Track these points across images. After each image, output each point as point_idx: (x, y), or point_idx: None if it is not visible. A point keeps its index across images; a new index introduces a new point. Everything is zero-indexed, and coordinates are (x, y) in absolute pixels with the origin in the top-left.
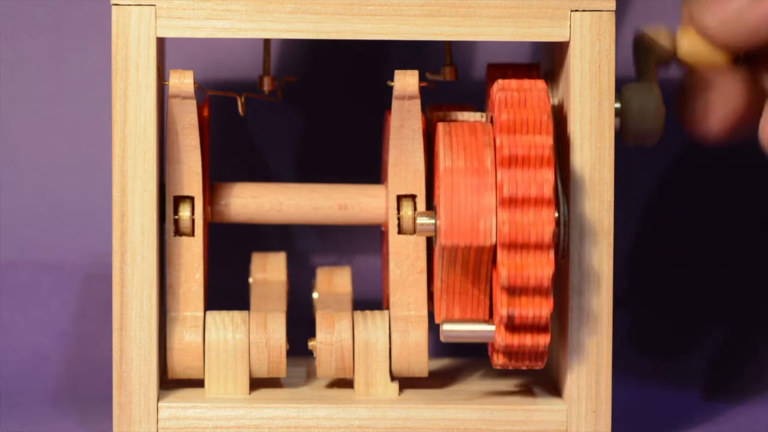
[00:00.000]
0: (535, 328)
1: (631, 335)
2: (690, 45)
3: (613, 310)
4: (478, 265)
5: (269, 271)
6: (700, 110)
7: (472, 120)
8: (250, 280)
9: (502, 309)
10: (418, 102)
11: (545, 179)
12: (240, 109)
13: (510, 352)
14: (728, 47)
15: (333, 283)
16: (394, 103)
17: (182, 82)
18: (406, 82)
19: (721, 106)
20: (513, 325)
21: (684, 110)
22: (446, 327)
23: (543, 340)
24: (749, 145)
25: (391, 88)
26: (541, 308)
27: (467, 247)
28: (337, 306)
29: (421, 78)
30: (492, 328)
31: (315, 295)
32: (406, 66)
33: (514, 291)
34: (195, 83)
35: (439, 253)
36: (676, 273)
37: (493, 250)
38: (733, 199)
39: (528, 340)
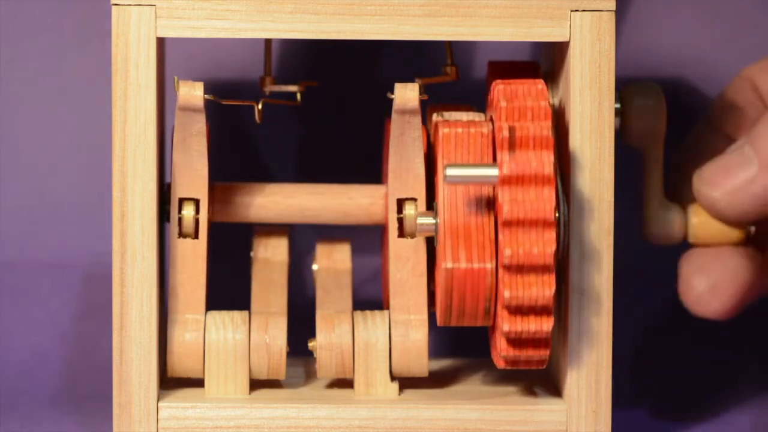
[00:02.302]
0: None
1: (631, 336)
2: (700, 224)
3: (613, 311)
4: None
5: (271, 249)
6: (705, 290)
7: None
8: (251, 254)
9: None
10: (418, 115)
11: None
12: (257, 117)
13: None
14: (738, 220)
15: (333, 258)
16: (394, 116)
17: (192, 94)
18: (406, 96)
19: (726, 286)
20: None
21: (687, 292)
22: (449, 171)
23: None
24: None
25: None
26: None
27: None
28: (337, 282)
29: (419, 75)
30: (494, 170)
31: (315, 267)
32: (406, 66)
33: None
34: (211, 96)
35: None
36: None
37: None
38: None
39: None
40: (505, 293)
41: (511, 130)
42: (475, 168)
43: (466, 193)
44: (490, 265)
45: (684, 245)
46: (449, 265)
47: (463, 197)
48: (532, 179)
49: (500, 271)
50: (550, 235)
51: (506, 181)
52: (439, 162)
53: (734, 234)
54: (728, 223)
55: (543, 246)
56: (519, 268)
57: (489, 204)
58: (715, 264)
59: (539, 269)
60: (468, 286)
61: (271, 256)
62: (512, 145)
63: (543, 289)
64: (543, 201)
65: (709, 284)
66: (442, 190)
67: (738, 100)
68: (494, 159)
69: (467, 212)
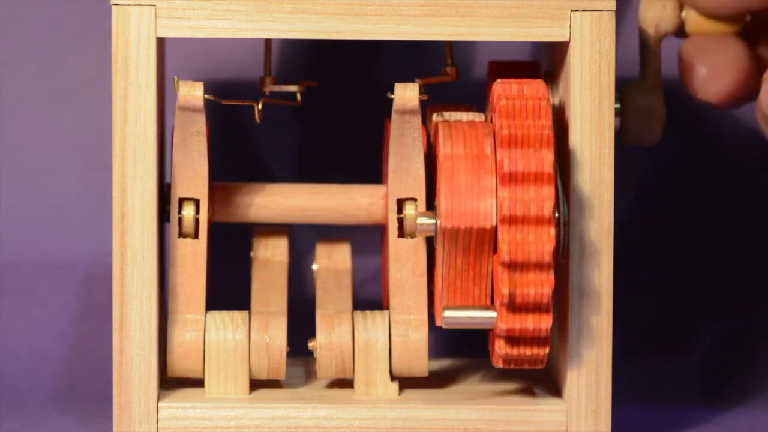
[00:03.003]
0: (536, 308)
1: (631, 335)
2: (694, 21)
3: (613, 311)
4: (478, 253)
5: (270, 249)
6: (705, 75)
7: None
8: (251, 254)
9: (504, 288)
10: (418, 115)
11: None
12: (257, 117)
13: (511, 337)
14: (718, 13)
15: (333, 258)
16: (394, 116)
17: (192, 94)
18: (406, 96)
19: (728, 69)
20: (514, 306)
21: (690, 74)
22: (447, 313)
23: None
24: (749, 145)
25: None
26: (542, 287)
27: (468, 230)
28: (337, 282)
29: (419, 75)
30: (493, 314)
31: (315, 267)
32: (406, 66)
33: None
34: (211, 96)
35: (440, 241)
36: (675, 273)
37: (494, 233)
38: (733, 198)
39: (530, 323)
40: (504, 291)
41: (512, 127)
42: (472, 310)
43: (466, 191)
44: (490, 264)
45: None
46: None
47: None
48: (531, 177)
49: (499, 268)
50: (549, 233)
51: (506, 179)
52: (440, 159)
53: (727, 28)
54: (711, 16)
55: (542, 243)
56: (518, 266)
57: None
58: (716, 48)
59: (538, 267)
60: (468, 286)
61: (271, 256)
62: (512, 142)
63: (542, 286)
64: (543, 199)
65: (711, 68)
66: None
67: None
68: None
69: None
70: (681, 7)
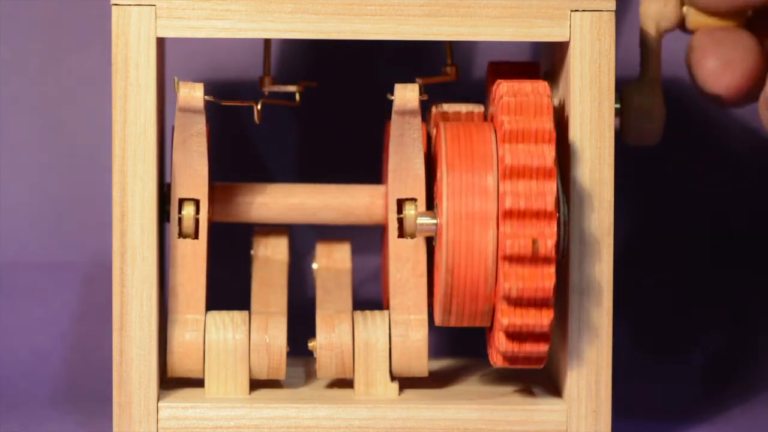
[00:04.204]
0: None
1: (631, 336)
2: (696, 16)
3: (613, 311)
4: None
5: (271, 248)
6: (717, 67)
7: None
8: (252, 252)
9: (505, 282)
10: (418, 116)
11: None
12: (256, 117)
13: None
14: (718, 9)
15: (333, 258)
16: (394, 117)
17: (192, 95)
18: (406, 97)
19: (738, 63)
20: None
21: (700, 66)
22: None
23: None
24: (749, 145)
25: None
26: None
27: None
28: (337, 282)
29: (419, 75)
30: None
31: (315, 266)
32: (406, 66)
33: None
34: (211, 96)
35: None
36: (675, 273)
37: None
38: (733, 198)
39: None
40: (505, 284)
41: (513, 123)
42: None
43: (467, 189)
44: (491, 265)
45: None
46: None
47: (464, 195)
48: (533, 171)
49: (500, 262)
50: (551, 227)
51: (508, 173)
52: (440, 157)
53: (728, 23)
54: (712, 12)
55: (544, 237)
56: (519, 259)
57: (489, 200)
58: (729, 40)
59: (539, 261)
60: (468, 287)
61: (271, 255)
62: (514, 137)
63: (543, 280)
64: (544, 193)
65: (723, 60)
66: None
67: None
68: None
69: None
70: (682, 3)
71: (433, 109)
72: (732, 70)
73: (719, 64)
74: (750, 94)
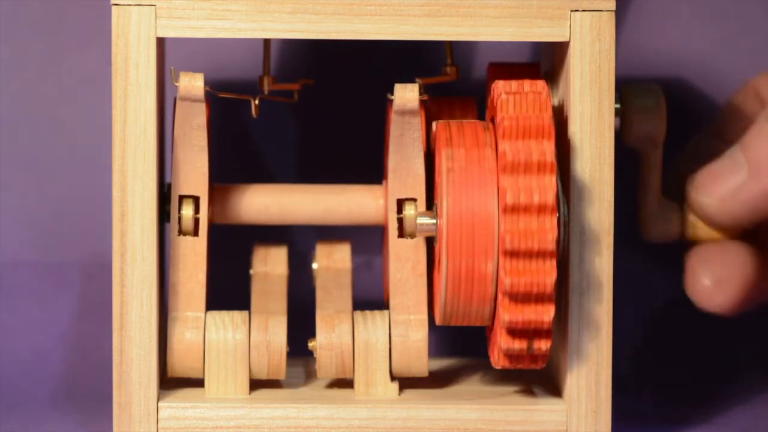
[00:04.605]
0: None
1: (631, 336)
2: (697, 222)
3: (613, 311)
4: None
5: (270, 264)
6: (708, 287)
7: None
8: (251, 272)
9: (506, 277)
10: (418, 115)
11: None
12: (254, 111)
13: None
14: (730, 225)
15: (333, 257)
16: (394, 116)
17: (192, 84)
18: (406, 97)
19: (731, 280)
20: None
21: (692, 288)
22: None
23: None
24: None
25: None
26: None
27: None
28: (337, 282)
29: (419, 75)
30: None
31: (314, 266)
32: (406, 66)
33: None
34: (206, 86)
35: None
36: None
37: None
38: None
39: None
40: (506, 280)
41: (512, 119)
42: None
43: (467, 186)
44: (492, 263)
45: (682, 244)
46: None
47: (464, 192)
48: (533, 167)
49: (501, 258)
50: (552, 222)
51: (508, 169)
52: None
53: (730, 232)
54: (721, 228)
55: (544, 232)
56: (520, 254)
57: (489, 197)
58: (721, 258)
59: (540, 255)
60: (470, 285)
61: (270, 271)
62: (513, 134)
63: (544, 276)
64: (545, 187)
65: (715, 278)
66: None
67: (743, 108)
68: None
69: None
70: (683, 218)
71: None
72: (724, 289)
73: (711, 283)
74: (752, 303)
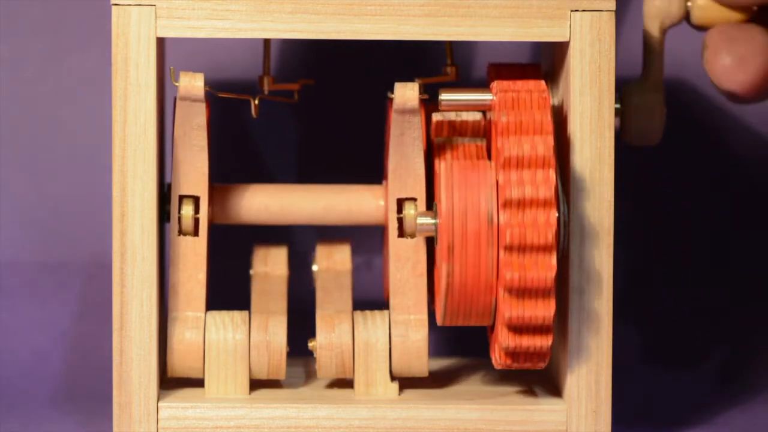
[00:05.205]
0: (539, 293)
1: (631, 335)
2: (701, 9)
3: (613, 311)
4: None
5: (270, 264)
6: (731, 65)
7: (471, 119)
8: (251, 272)
9: (507, 272)
10: (418, 115)
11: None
12: (253, 111)
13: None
14: (738, 5)
15: (333, 259)
16: (394, 115)
17: (192, 84)
18: (406, 96)
19: (752, 59)
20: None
21: (713, 66)
22: (443, 96)
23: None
24: (749, 145)
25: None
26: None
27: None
28: (337, 282)
29: (419, 75)
30: (488, 95)
31: (315, 267)
32: (406, 66)
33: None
34: (206, 86)
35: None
36: (675, 273)
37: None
38: (733, 198)
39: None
40: (506, 274)
41: (511, 115)
42: (469, 93)
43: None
44: (492, 261)
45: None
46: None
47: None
48: (531, 161)
49: (501, 253)
50: (551, 216)
51: (506, 163)
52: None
53: (735, 15)
54: (733, 6)
55: (544, 226)
56: (520, 249)
57: (489, 193)
58: (742, 37)
59: (540, 249)
60: (469, 286)
61: (270, 271)
62: (511, 130)
63: (545, 270)
64: (543, 182)
65: (737, 57)
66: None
67: None
68: (490, 151)
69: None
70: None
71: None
72: (746, 67)
73: (733, 61)
74: (767, 89)
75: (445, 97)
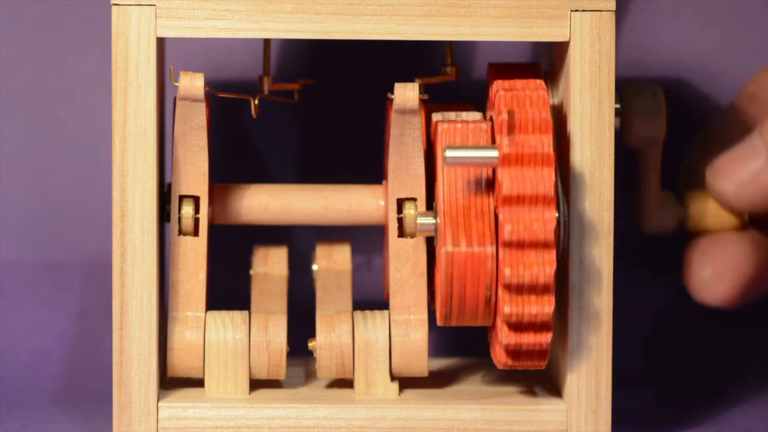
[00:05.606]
0: (539, 289)
1: (631, 336)
2: (698, 212)
3: (613, 311)
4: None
5: (270, 264)
6: (706, 279)
7: (471, 119)
8: (251, 272)
9: (506, 269)
10: (418, 115)
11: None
12: (253, 111)
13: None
14: (749, 211)
15: (333, 259)
16: (394, 115)
17: (192, 84)
18: (406, 96)
19: (728, 273)
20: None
21: (691, 280)
22: (449, 153)
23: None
24: None
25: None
26: (545, 267)
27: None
28: (337, 282)
29: (419, 75)
30: (494, 152)
31: (315, 267)
32: (405, 65)
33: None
34: (206, 86)
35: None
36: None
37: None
38: None
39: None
40: (506, 271)
41: (510, 113)
42: (474, 150)
43: (465, 179)
44: (490, 249)
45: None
46: (450, 249)
47: (462, 185)
48: (531, 158)
49: (501, 249)
50: (551, 212)
51: (506, 160)
52: (438, 149)
53: (731, 221)
54: (740, 214)
55: (543, 222)
56: (520, 245)
57: (488, 190)
58: (718, 251)
59: (540, 245)
60: (468, 272)
61: (270, 271)
62: (511, 126)
63: (544, 267)
64: (542, 178)
65: (712, 271)
66: (441, 179)
67: (760, 92)
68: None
69: (467, 199)
70: (681, 209)
71: (434, 117)
72: (722, 281)
73: (709, 275)
74: (752, 296)
75: (450, 154)
